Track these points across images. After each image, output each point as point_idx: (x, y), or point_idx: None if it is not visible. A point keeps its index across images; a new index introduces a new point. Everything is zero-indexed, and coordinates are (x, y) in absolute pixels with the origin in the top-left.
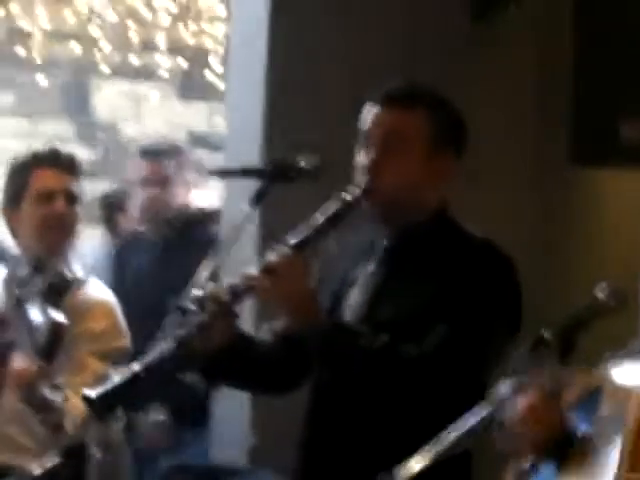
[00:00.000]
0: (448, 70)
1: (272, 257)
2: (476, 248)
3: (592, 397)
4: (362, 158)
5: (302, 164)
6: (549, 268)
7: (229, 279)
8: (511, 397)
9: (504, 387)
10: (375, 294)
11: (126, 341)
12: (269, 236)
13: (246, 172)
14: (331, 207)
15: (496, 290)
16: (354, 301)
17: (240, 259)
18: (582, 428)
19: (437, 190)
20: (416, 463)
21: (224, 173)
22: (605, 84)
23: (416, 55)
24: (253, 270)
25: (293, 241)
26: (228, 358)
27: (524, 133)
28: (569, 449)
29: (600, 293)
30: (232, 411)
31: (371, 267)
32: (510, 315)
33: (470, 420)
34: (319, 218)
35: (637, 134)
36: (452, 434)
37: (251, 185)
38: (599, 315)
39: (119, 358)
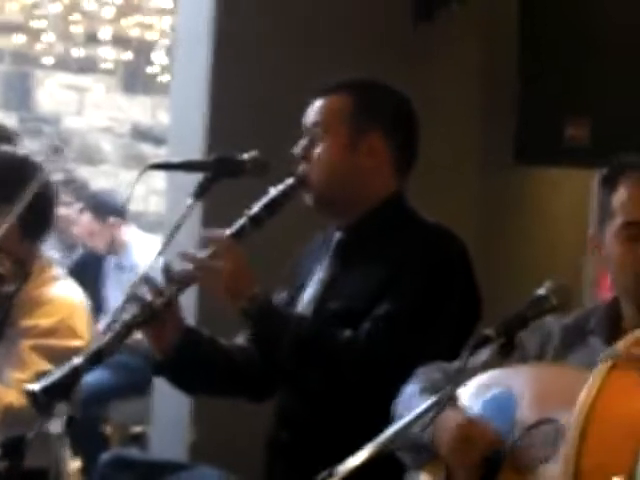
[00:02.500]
0: (393, 70)
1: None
2: (428, 232)
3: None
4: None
5: (246, 159)
6: (493, 265)
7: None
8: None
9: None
10: (327, 287)
11: (82, 342)
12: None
13: (189, 165)
14: (268, 195)
15: (447, 273)
16: (307, 298)
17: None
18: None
19: (379, 176)
20: (356, 458)
21: (167, 166)
22: (550, 84)
23: (360, 55)
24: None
25: (230, 231)
26: (191, 359)
27: (469, 131)
28: (499, 464)
29: (544, 291)
30: (172, 407)
31: (325, 263)
32: (465, 300)
33: (410, 414)
34: (255, 206)
35: (580, 134)
36: (392, 428)
37: (194, 179)
38: (542, 312)
39: (69, 358)
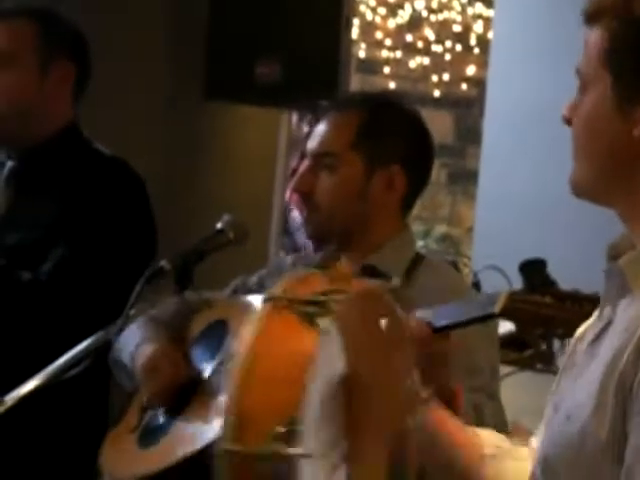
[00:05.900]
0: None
1: None
2: (105, 165)
3: (214, 330)
4: None
5: None
6: (180, 201)
7: None
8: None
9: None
10: (2, 219)
11: None
12: None
13: None
14: None
15: (124, 208)
16: None
17: None
18: (207, 366)
19: (61, 105)
20: (26, 386)
21: None
22: (241, 20)
23: None
24: None
25: None
26: None
27: (158, 65)
28: (192, 394)
29: (221, 225)
30: None
31: None
32: (141, 236)
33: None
34: None
35: (271, 72)
36: (62, 358)
37: None
38: (218, 247)
39: None
